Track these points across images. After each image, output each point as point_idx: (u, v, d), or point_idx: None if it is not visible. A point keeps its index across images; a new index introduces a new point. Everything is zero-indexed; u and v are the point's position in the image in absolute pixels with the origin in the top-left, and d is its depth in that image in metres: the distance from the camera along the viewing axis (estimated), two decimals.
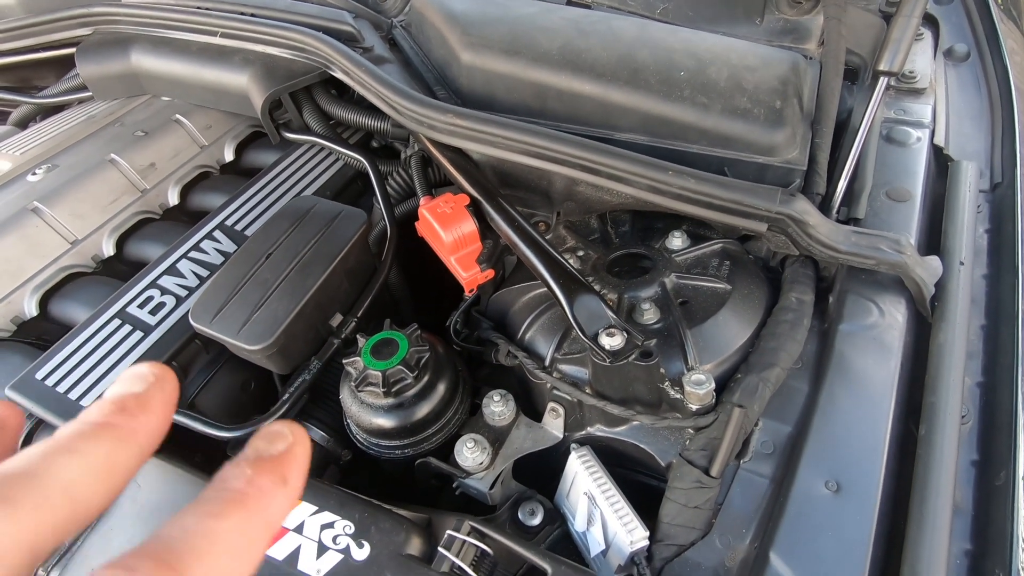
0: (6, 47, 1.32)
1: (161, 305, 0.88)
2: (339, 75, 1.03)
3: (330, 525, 0.63)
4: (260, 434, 0.28)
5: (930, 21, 1.13)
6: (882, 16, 1.03)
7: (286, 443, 0.27)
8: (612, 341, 0.66)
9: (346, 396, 0.75)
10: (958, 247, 0.77)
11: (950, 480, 0.61)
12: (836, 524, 0.59)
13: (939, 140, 0.93)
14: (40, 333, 0.96)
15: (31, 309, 0.95)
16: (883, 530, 0.59)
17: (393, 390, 0.71)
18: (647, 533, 0.64)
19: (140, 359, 0.82)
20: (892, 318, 0.74)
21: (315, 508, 0.64)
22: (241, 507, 0.24)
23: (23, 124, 1.41)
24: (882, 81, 0.78)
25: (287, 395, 0.80)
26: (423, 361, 0.73)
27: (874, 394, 0.68)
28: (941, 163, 0.92)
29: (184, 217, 1.14)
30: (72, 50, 1.27)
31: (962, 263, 0.76)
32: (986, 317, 0.76)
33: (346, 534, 0.62)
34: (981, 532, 0.60)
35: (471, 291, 0.86)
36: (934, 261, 0.75)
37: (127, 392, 0.27)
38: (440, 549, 0.61)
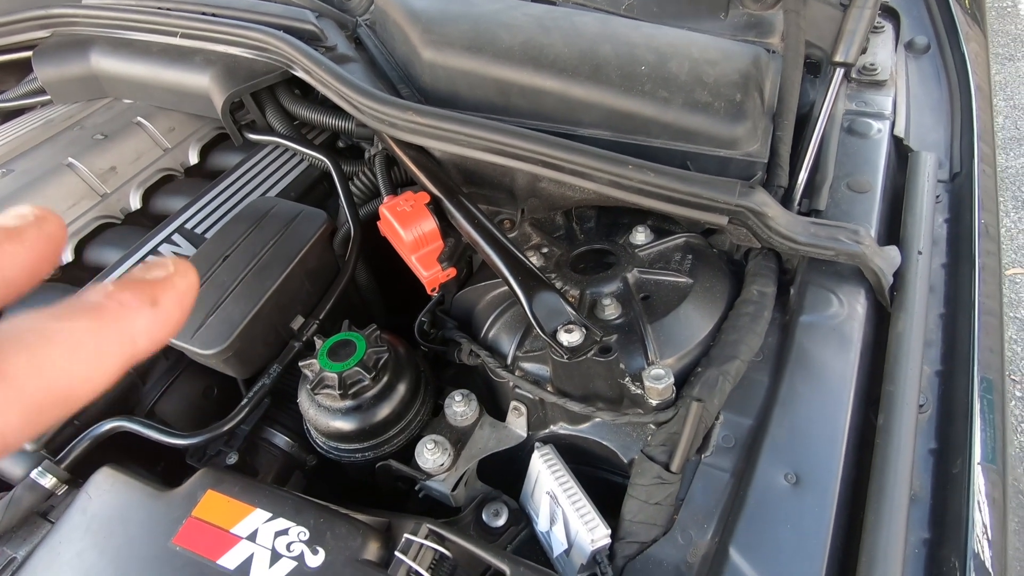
0: None
1: None
2: (301, 74, 1.01)
3: (284, 532, 0.62)
4: (141, 264, 0.26)
5: (891, 14, 1.14)
6: (842, 9, 1.03)
7: (165, 271, 0.25)
8: (571, 337, 0.66)
9: (304, 399, 0.74)
10: (917, 237, 0.78)
11: (907, 469, 0.61)
12: (795, 516, 0.59)
13: (899, 131, 0.94)
14: None
15: None
16: (841, 521, 0.59)
17: (350, 392, 0.70)
18: (608, 531, 0.63)
19: None
20: (852, 309, 0.74)
21: (269, 515, 0.63)
22: (93, 314, 0.22)
23: None
24: (838, 72, 0.78)
25: (246, 400, 0.78)
26: (381, 362, 0.71)
27: (834, 385, 0.68)
28: (901, 154, 0.93)
29: (146, 221, 1.12)
30: (28, 53, 1.24)
31: (920, 253, 0.76)
32: (944, 306, 0.77)
33: (300, 541, 0.61)
34: (938, 521, 0.60)
35: (433, 290, 0.85)
36: (892, 251, 0.76)
37: None
38: (397, 554, 0.60)
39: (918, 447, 0.64)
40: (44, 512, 0.75)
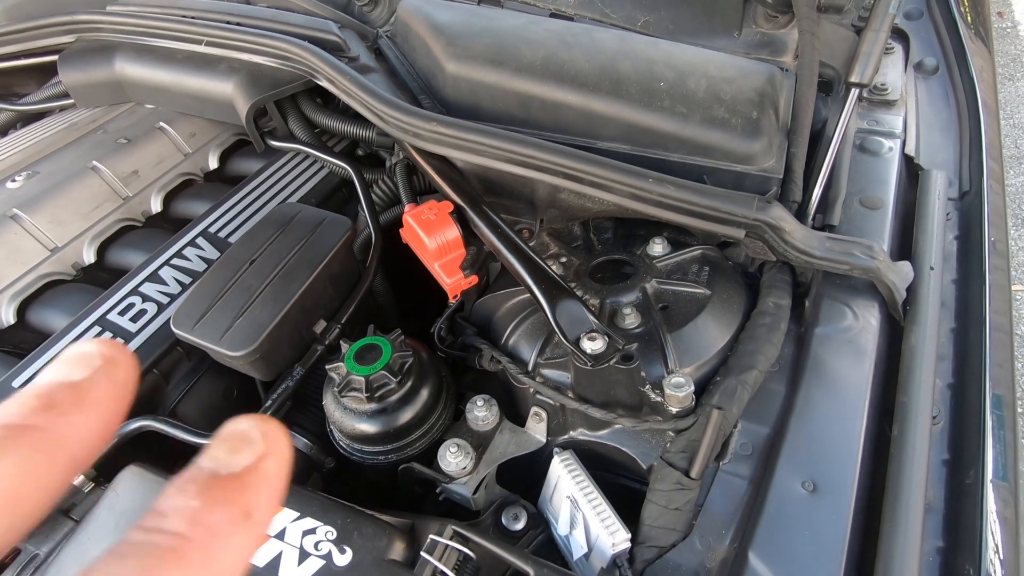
0: None
1: (142, 312, 0.87)
2: (324, 84, 1.04)
3: (312, 531, 0.63)
4: (222, 435, 0.20)
5: (900, 35, 1.17)
6: (855, 30, 1.06)
7: (254, 453, 0.19)
8: (593, 345, 0.67)
9: (329, 402, 0.75)
10: (928, 253, 0.80)
11: (922, 479, 0.62)
12: (812, 523, 0.60)
13: (910, 150, 0.96)
14: (18, 342, 0.94)
15: (8, 317, 0.94)
16: (858, 528, 0.61)
17: (376, 395, 0.71)
18: (629, 535, 0.65)
19: None
20: (866, 321, 0.76)
21: (297, 514, 0.64)
22: (178, 563, 0.16)
23: (3, 131, 1.40)
24: (853, 92, 0.81)
25: (269, 401, 0.80)
26: (406, 366, 0.73)
27: (849, 395, 0.69)
28: (912, 172, 0.95)
29: (167, 225, 1.14)
30: (55, 57, 1.26)
31: (932, 268, 0.78)
32: (956, 320, 0.79)
33: (328, 540, 0.62)
34: (952, 529, 0.62)
35: (455, 297, 0.86)
36: (905, 266, 0.78)
37: (60, 380, 0.20)
38: (422, 554, 0.61)
39: (932, 458, 0.66)
40: (66, 510, 0.76)
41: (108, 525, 0.68)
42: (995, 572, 0.59)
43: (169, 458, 0.84)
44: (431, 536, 0.62)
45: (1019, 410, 2.08)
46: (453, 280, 0.83)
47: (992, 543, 0.61)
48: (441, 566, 0.60)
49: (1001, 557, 0.62)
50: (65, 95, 1.28)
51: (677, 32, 1.15)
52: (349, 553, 0.61)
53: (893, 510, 0.60)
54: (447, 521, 0.64)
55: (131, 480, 0.71)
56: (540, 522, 0.74)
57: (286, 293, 0.80)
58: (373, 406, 0.72)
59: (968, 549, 0.59)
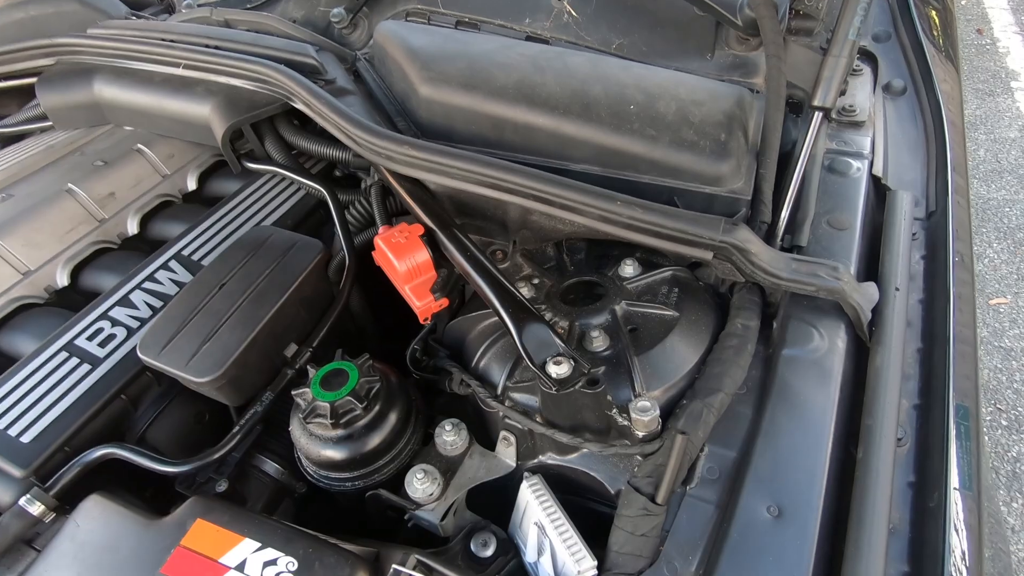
0: None
1: (111, 337, 0.87)
2: (300, 106, 1.04)
3: (273, 562, 0.62)
4: None
5: (869, 57, 1.19)
6: (823, 53, 1.08)
7: None
8: (559, 369, 0.67)
9: (295, 428, 0.75)
10: (894, 274, 0.81)
11: (886, 503, 0.62)
12: (777, 549, 0.60)
13: (877, 170, 0.98)
14: None
15: None
16: (822, 553, 0.60)
17: (342, 421, 0.71)
18: (595, 563, 0.64)
19: (87, 392, 0.80)
20: (832, 343, 0.76)
21: (258, 544, 0.63)
22: None
23: None
24: (817, 115, 0.82)
25: (238, 428, 0.79)
26: (373, 392, 0.73)
27: (815, 418, 0.69)
28: (880, 192, 0.97)
29: (144, 247, 1.13)
30: (32, 80, 1.27)
31: (897, 289, 0.79)
32: (922, 340, 0.79)
33: (289, 571, 0.61)
34: (917, 554, 0.61)
35: (425, 320, 0.86)
36: (870, 288, 0.78)
37: None
38: None
39: (897, 480, 0.66)
40: (30, 540, 0.75)
41: (67, 556, 0.67)
42: None
43: (135, 485, 0.83)
44: (394, 566, 0.62)
45: (1004, 422, 2.07)
46: (423, 303, 0.83)
47: (959, 550, 0.61)
48: None
49: (967, 564, 0.62)
50: (44, 117, 1.28)
51: (651, 55, 1.17)
52: None
53: (857, 535, 0.60)
54: (411, 550, 0.63)
55: (93, 509, 0.70)
56: (510, 548, 0.73)
57: (255, 317, 0.80)
58: (339, 432, 0.71)
59: (931, 573, 0.59)
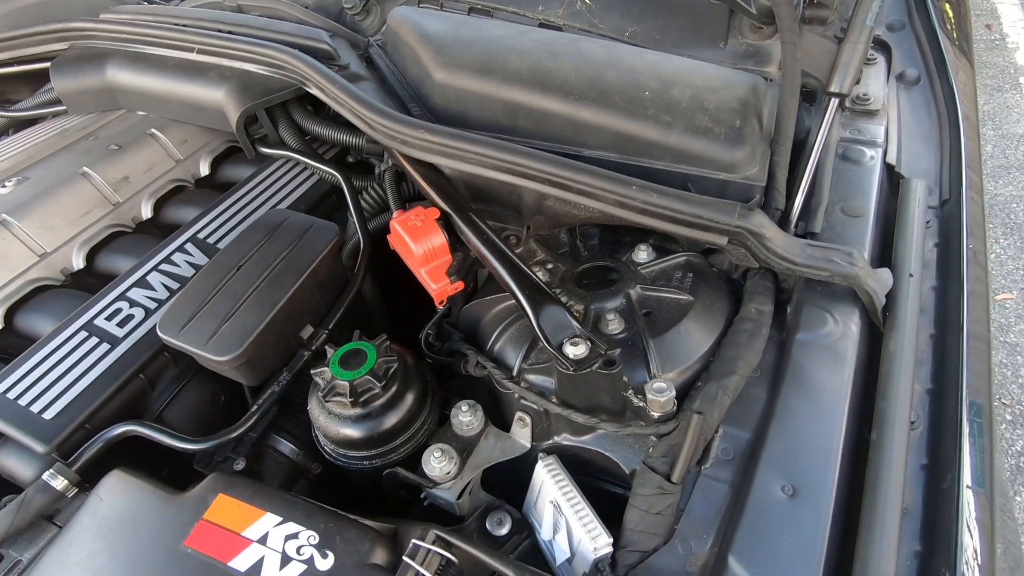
0: None
1: (129, 317, 0.87)
2: (314, 91, 1.05)
3: (294, 536, 0.63)
4: None
5: (883, 47, 1.19)
6: (837, 41, 1.08)
7: None
8: (576, 350, 0.68)
9: (314, 407, 0.75)
10: (908, 260, 0.81)
11: (899, 484, 0.63)
12: (792, 527, 0.61)
13: (891, 159, 0.98)
14: (5, 347, 0.94)
15: None
16: (836, 532, 0.61)
17: (361, 400, 0.72)
18: (611, 540, 0.65)
19: (107, 371, 0.82)
20: (846, 327, 0.76)
21: (279, 519, 0.64)
22: None
23: None
24: (833, 102, 0.82)
25: (255, 407, 0.80)
26: (391, 371, 0.73)
27: (828, 401, 0.70)
28: (893, 180, 0.97)
29: (157, 230, 1.14)
30: (45, 65, 1.27)
31: (911, 275, 0.79)
32: (935, 327, 0.80)
33: (310, 544, 0.62)
34: (929, 533, 0.62)
35: (441, 303, 0.87)
36: (884, 273, 0.79)
37: None
38: (405, 558, 0.61)
39: (910, 462, 0.66)
40: (50, 515, 0.76)
41: (90, 530, 0.68)
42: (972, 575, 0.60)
43: (154, 463, 0.84)
44: (413, 540, 0.63)
45: (1008, 417, 2.08)
46: (439, 286, 0.83)
47: (971, 547, 0.62)
48: (423, 570, 0.60)
49: (979, 562, 0.62)
50: (57, 101, 1.29)
51: (664, 43, 1.17)
52: (331, 557, 0.61)
53: (871, 514, 0.61)
54: (430, 526, 0.64)
55: (115, 485, 0.71)
56: (524, 527, 0.74)
57: (272, 299, 0.81)
58: (358, 411, 0.72)
59: (944, 553, 0.60)
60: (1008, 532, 0.76)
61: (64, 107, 1.28)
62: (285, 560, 0.61)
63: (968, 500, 0.64)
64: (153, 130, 1.22)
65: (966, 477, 0.66)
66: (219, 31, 1.16)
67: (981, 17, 4.41)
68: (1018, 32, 4.23)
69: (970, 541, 0.62)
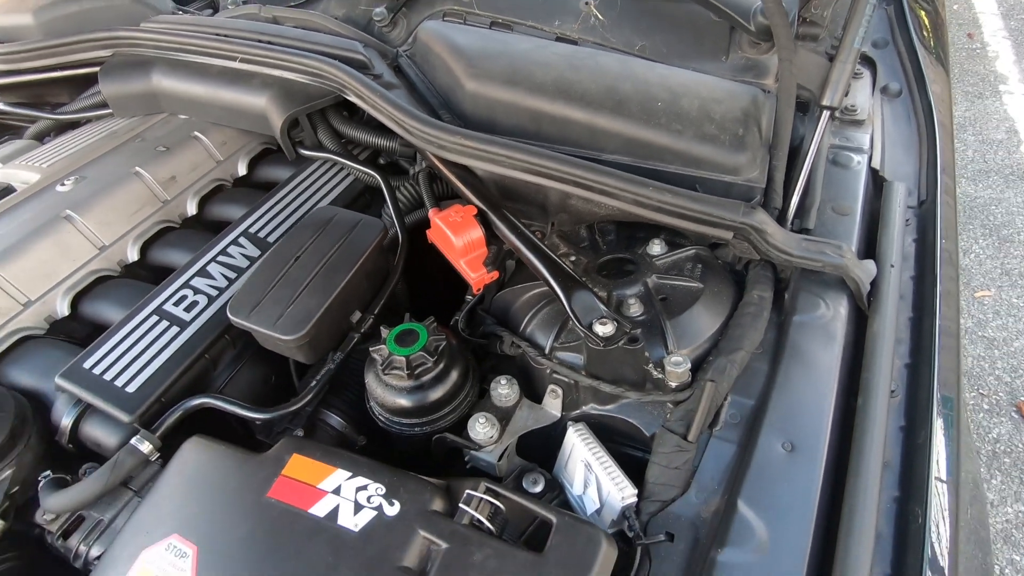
0: (28, 65, 1.39)
1: (195, 303, 0.97)
2: (353, 99, 1.14)
3: (364, 487, 0.73)
4: None
5: (868, 62, 1.31)
6: (828, 58, 1.19)
7: None
8: (605, 329, 0.78)
9: (371, 380, 0.85)
10: (890, 253, 0.92)
11: (881, 442, 0.74)
12: (791, 477, 0.72)
13: (876, 164, 1.10)
14: (71, 331, 1.03)
15: (63, 309, 1.03)
16: (828, 481, 0.72)
17: (415, 373, 0.81)
18: (636, 491, 0.75)
19: (178, 351, 0.91)
20: (836, 311, 0.88)
21: (349, 474, 0.74)
22: None
23: (40, 138, 1.48)
24: (825, 114, 0.93)
25: (314, 382, 0.90)
26: (440, 348, 0.83)
27: (821, 373, 0.81)
28: (877, 183, 1.09)
29: (201, 226, 1.23)
30: (89, 70, 1.35)
31: (892, 266, 0.90)
32: (912, 311, 0.91)
33: (378, 495, 0.72)
34: (906, 482, 0.73)
35: (478, 290, 0.97)
36: (869, 264, 0.90)
37: None
38: (461, 505, 0.71)
39: (890, 424, 0.77)
40: (125, 481, 0.84)
41: (180, 488, 0.77)
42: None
43: (214, 436, 0.93)
44: (467, 490, 0.72)
45: (985, 407, 2.21)
46: (477, 275, 0.93)
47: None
48: (477, 515, 0.70)
49: (946, 507, 0.73)
50: (103, 105, 1.37)
51: (670, 56, 1.28)
52: (397, 505, 0.71)
53: (857, 466, 0.72)
54: (480, 479, 0.74)
55: (195, 448, 0.80)
56: (556, 486, 0.84)
57: (329, 286, 0.90)
58: (412, 383, 0.82)
59: (919, 497, 0.71)
60: (976, 511, 0.86)
61: (110, 111, 1.37)
62: (358, 507, 0.71)
63: (938, 454, 0.75)
64: (196, 133, 1.31)
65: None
66: (260, 41, 1.25)
67: (963, 26, 4.59)
68: (998, 41, 4.41)
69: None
